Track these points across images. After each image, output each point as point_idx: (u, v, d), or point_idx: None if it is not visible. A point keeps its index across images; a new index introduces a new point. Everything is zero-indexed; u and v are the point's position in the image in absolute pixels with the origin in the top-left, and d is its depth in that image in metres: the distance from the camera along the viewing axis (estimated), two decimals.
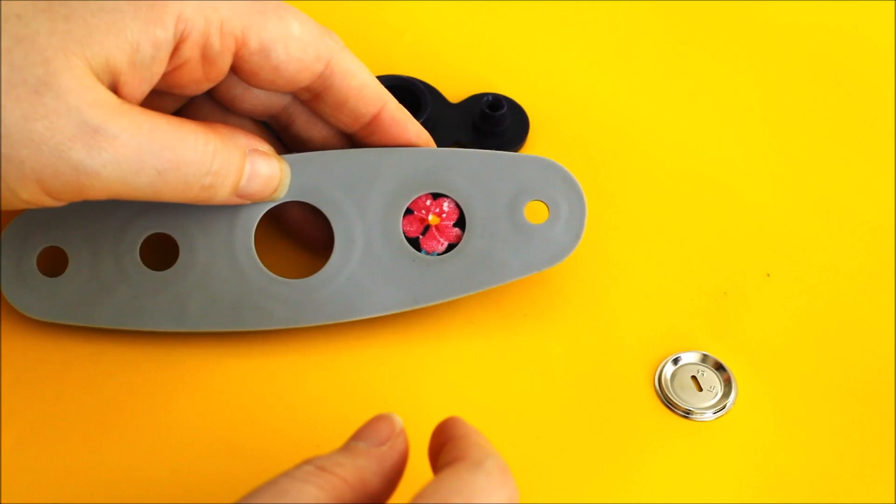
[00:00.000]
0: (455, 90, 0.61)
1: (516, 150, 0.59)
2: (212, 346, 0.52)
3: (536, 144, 0.60)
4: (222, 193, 0.48)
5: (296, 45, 0.47)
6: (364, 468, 0.41)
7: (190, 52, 0.46)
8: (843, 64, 0.64)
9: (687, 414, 0.51)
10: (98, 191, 0.44)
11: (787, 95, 0.63)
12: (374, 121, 0.51)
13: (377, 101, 0.51)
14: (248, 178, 0.49)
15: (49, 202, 0.44)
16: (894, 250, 0.57)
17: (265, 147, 0.50)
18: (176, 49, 0.45)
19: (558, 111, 0.61)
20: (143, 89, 0.45)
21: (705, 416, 0.51)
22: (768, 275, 0.56)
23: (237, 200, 0.49)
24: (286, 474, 0.40)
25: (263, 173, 0.49)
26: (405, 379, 0.52)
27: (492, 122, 0.59)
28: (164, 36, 0.44)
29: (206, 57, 0.46)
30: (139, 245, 0.51)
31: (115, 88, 0.44)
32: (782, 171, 0.60)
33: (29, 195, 0.43)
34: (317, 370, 0.52)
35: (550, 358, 0.53)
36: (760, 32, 0.65)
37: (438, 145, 0.58)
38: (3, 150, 0.42)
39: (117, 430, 0.49)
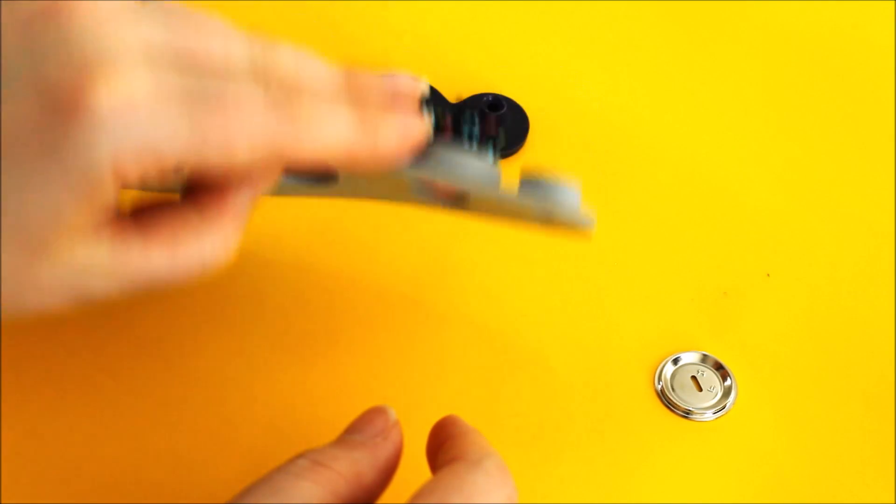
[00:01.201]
0: (455, 90, 0.61)
1: (516, 151, 0.59)
2: (211, 345, 0.52)
3: (536, 144, 0.60)
4: None
5: (240, 155, 0.41)
6: (359, 461, 0.41)
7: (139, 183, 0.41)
8: (843, 64, 0.64)
9: (687, 414, 0.51)
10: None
11: (788, 96, 0.63)
12: None
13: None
14: None
15: None
16: (894, 250, 0.57)
17: None
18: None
19: (558, 111, 0.61)
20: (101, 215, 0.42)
21: (705, 416, 0.51)
22: (768, 275, 0.56)
23: None
24: (281, 469, 0.40)
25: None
26: (404, 377, 0.52)
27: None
28: (106, 186, 0.39)
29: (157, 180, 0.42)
30: None
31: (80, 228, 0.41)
32: (782, 172, 0.60)
33: None
34: (314, 367, 0.52)
35: (550, 357, 0.53)
36: (760, 32, 0.65)
37: None
38: None
39: (117, 429, 0.49)
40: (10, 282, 0.40)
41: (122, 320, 0.52)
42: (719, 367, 0.53)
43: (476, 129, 0.50)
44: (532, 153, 0.60)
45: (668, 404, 0.52)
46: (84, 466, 0.48)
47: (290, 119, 0.41)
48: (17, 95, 0.38)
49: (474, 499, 0.39)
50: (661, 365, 0.53)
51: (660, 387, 0.52)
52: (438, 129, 0.47)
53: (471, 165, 0.45)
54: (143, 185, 0.42)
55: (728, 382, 0.52)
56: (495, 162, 0.46)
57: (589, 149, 0.60)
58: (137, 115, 0.38)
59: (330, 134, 0.42)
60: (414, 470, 0.44)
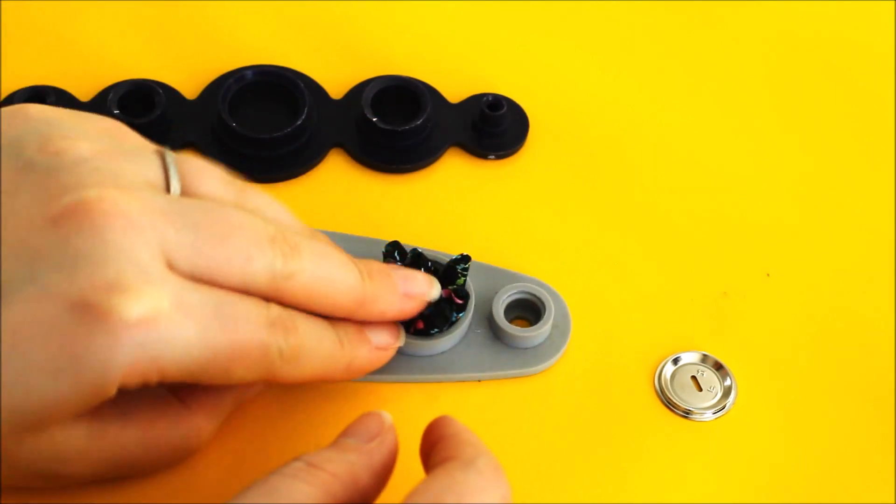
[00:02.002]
0: (455, 90, 0.61)
1: (516, 150, 0.59)
2: None
3: (536, 145, 0.60)
4: None
5: (238, 373, 0.44)
6: (354, 464, 0.41)
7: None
8: (842, 64, 0.64)
9: (687, 414, 0.51)
10: None
11: (788, 96, 0.63)
12: None
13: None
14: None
15: None
16: (894, 250, 0.56)
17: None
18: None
19: (558, 111, 0.61)
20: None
21: (705, 416, 0.51)
22: (768, 275, 0.56)
23: None
24: (276, 472, 0.40)
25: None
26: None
27: (492, 123, 0.59)
28: (110, 391, 0.41)
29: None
30: None
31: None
32: (782, 171, 0.60)
33: None
34: None
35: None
36: (760, 33, 0.65)
37: (438, 145, 0.58)
38: None
39: None
40: None
41: None
42: (719, 367, 0.52)
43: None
44: (532, 153, 0.60)
45: (668, 404, 0.52)
46: None
47: (285, 349, 0.44)
48: (42, 294, 0.40)
49: (468, 498, 0.39)
50: (661, 365, 0.53)
51: (660, 387, 0.52)
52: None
53: None
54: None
55: (728, 382, 0.52)
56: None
57: (588, 149, 0.60)
58: (158, 331, 0.40)
59: (315, 362, 0.45)
60: (407, 471, 0.44)
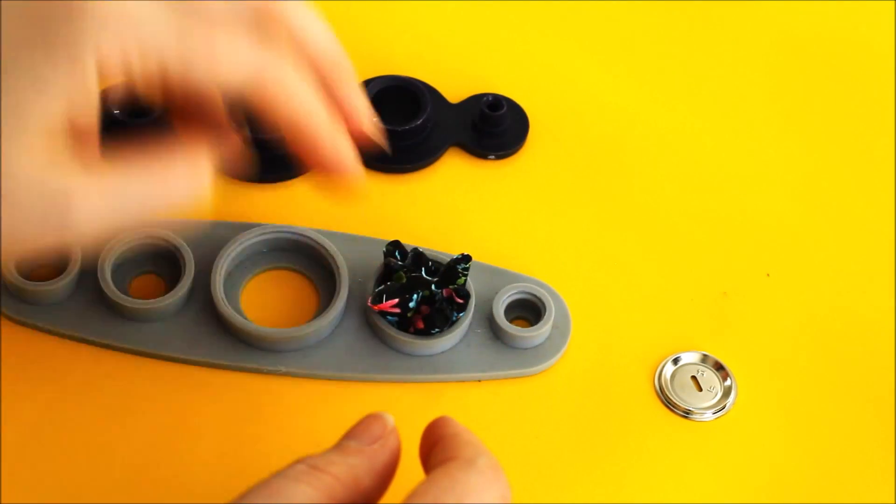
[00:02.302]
0: (455, 90, 0.61)
1: (516, 151, 0.59)
2: None
3: (536, 145, 0.60)
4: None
5: (223, 68, 0.43)
6: (356, 466, 0.41)
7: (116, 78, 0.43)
8: (843, 64, 0.64)
9: (687, 414, 0.51)
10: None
11: (787, 96, 0.63)
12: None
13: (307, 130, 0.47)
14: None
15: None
16: (894, 250, 0.57)
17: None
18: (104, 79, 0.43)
19: (558, 112, 0.61)
20: (96, 121, 0.43)
21: (705, 416, 0.51)
22: (768, 275, 0.56)
23: None
24: (279, 474, 0.40)
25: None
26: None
27: (492, 123, 0.59)
28: (91, 80, 0.41)
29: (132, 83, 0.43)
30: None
31: (73, 138, 0.43)
32: (782, 172, 0.60)
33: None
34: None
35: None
36: (760, 33, 0.65)
37: (438, 145, 0.58)
38: None
39: (116, 429, 0.49)
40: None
41: None
42: (719, 367, 0.53)
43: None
44: (531, 153, 0.60)
45: (668, 404, 0.52)
46: (84, 466, 0.49)
47: (270, 57, 0.44)
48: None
49: (468, 498, 0.39)
50: (661, 365, 0.53)
51: (660, 387, 0.52)
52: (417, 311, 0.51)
53: None
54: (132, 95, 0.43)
55: (728, 382, 0.52)
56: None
57: (588, 149, 0.60)
58: (125, 10, 0.40)
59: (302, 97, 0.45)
60: (407, 471, 0.44)
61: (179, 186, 0.44)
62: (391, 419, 0.44)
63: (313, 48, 0.47)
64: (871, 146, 0.61)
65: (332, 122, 0.46)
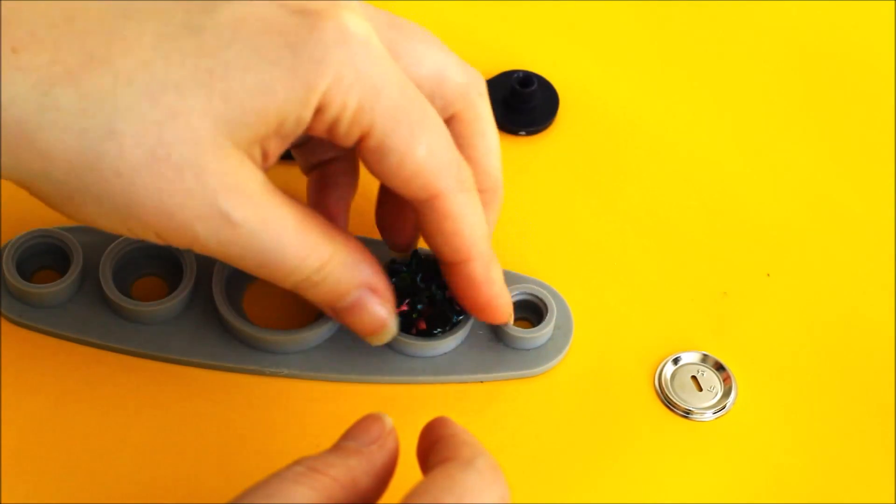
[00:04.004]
0: (486, 66, 0.60)
1: (545, 128, 0.60)
2: None
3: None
4: (313, 297, 0.46)
5: (410, 168, 0.44)
6: (355, 467, 0.42)
7: (319, 125, 0.44)
8: (843, 64, 0.64)
9: (687, 414, 0.51)
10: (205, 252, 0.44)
11: (788, 96, 0.62)
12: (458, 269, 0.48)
13: (465, 252, 0.47)
14: (349, 305, 0.46)
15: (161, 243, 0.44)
16: (894, 250, 0.57)
17: (383, 286, 0.47)
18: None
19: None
20: (283, 149, 0.44)
21: (705, 416, 0.51)
22: (768, 275, 0.56)
23: (329, 313, 0.48)
24: (277, 475, 0.40)
25: (370, 314, 0.47)
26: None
27: (521, 99, 0.59)
28: (312, 104, 0.42)
29: (327, 131, 0.44)
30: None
31: (262, 156, 0.44)
32: (783, 171, 0.60)
33: (146, 237, 0.43)
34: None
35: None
36: (760, 33, 0.65)
37: None
38: (132, 212, 0.42)
39: (117, 431, 0.50)
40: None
41: None
42: (719, 367, 0.53)
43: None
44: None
45: (668, 404, 0.52)
46: (84, 468, 0.49)
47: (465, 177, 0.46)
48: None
49: (467, 499, 0.39)
50: (661, 365, 0.53)
51: (660, 387, 0.52)
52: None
53: None
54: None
55: (728, 382, 0.52)
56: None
57: (588, 150, 0.59)
58: (368, 53, 0.42)
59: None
60: (411, 472, 0.44)
61: (313, 275, 0.45)
62: (389, 420, 0.44)
63: (483, 165, 0.49)
64: (872, 146, 0.60)
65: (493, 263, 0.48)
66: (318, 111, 0.42)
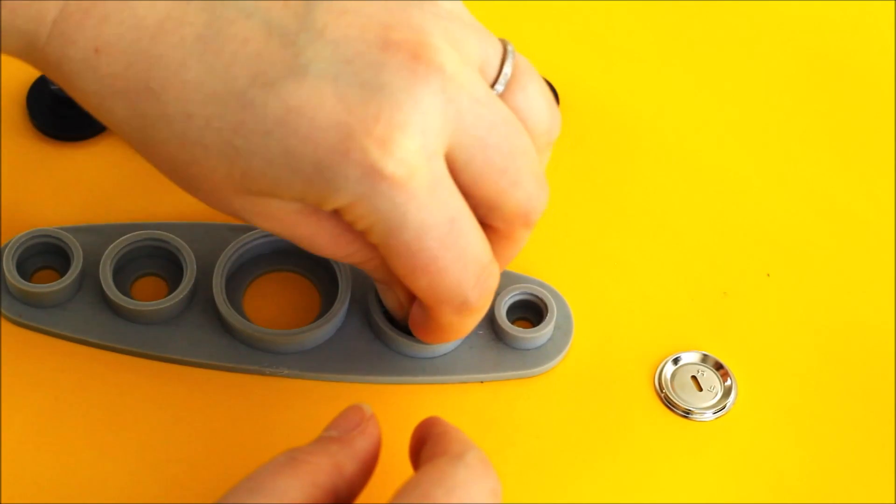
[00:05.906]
0: None
1: None
2: None
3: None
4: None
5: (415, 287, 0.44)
6: (337, 453, 0.42)
7: None
8: (843, 64, 0.64)
9: (687, 414, 0.51)
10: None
11: (788, 96, 0.62)
12: None
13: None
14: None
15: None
16: (894, 250, 0.56)
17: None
18: None
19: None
20: None
21: (705, 416, 0.51)
22: (768, 275, 0.56)
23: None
24: (261, 468, 0.41)
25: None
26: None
27: None
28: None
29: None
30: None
31: None
32: (783, 171, 0.59)
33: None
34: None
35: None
36: (760, 33, 0.65)
37: None
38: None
39: (117, 431, 0.50)
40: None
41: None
42: (719, 367, 0.53)
43: None
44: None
45: (668, 404, 0.52)
46: (84, 468, 0.49)
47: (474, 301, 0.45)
48: (329, 93, 0.41)
49: (458, 492, 0.39)
50: (661, 365, 0.53)
51: (660, 387, 0.52)
52: None
53: None
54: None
55: (728, 382, 0.52)
56: None
57: (588, 151, 0.59)
58: (404, 192, 0.41)
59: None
60: (408, 473, 0.44)
61: None
62: (369, 408, 0.44)
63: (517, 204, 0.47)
64: (872, 147, 0.60)
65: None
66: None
